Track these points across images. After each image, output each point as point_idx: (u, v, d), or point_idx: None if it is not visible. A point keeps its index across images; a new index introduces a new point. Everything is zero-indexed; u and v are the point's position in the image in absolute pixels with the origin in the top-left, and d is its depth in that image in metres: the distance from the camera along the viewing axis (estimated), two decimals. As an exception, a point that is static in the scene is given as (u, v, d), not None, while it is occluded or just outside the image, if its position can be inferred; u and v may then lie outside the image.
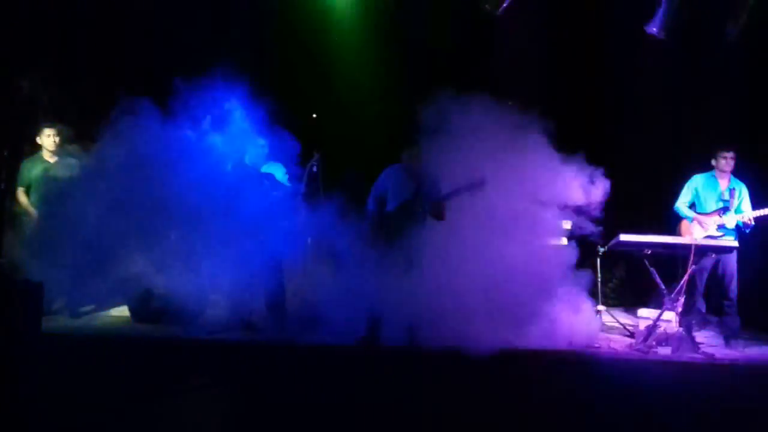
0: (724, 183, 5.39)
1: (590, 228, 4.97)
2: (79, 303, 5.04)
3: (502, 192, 4.61)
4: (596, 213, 4.91)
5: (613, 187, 4.86)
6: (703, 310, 5.59)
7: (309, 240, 5.11)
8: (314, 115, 5.24)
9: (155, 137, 4.62)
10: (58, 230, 4.52)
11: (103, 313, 5.26)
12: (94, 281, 4.63)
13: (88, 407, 3.20)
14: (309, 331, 4.71)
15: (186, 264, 4.61)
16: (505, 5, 5.09)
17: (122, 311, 5.18)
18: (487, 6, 5.08)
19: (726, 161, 5.29)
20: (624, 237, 5.16)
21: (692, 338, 5.27)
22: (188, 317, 4.79)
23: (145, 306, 4.85)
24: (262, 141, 4.95)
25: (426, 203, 4.70)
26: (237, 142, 4.90)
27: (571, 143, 4.75)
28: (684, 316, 5.43)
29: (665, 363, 4.64)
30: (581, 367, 4.42)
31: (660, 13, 5.20)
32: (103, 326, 4.96)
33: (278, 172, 5.12)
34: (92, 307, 5.23)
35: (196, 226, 4.63)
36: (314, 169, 4.99)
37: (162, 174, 4.57)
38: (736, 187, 5.37)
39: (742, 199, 5.38)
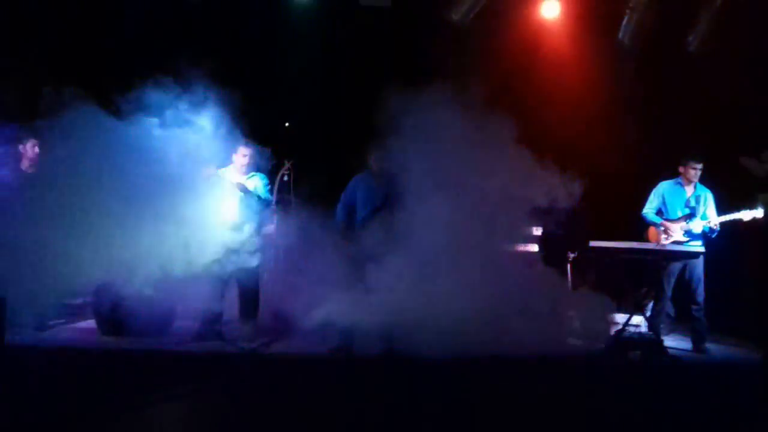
0: (690, 190, 5.51)
1: (560, 233, 5.03)
2: (44, 316, 4.92)
3: (471, 191, 4.60)
4: (566, 217, 4.95)
5: (582, 193, 4.93)
6: (672, 314, 5.70)
7: (281, 249, 5.09)
8: (287, 124, 5.23)
9: (119, 138, 4.47)
10: (12, 241, 4.38)
11: (70, 326, 5.17)
12: (58, 293, 4.52)
13: (55, 420, 3.13)
14: (281, 341, 4.67)
15: (156, 274, 4.53)
16: (471, 15, 5.20)
17: (89, 324, 5.08)
18: (453, 16, 5.17)
19: (695, 172, 5.42)
20: (594, 243, 5.29)
21: (661, 342, 5.37)
22: (157, 328, 4.75)
23: (112, 318, 4.75)
24: (246, 151, 4.92)
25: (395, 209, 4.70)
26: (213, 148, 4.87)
27: (539, 150, 4.81)
28: (652, 321, 5.57)
29: (634, 367, 4.69)
30: (551, 373, 4.46)
31: (625, 22, 5.35)
32: (69, 339, 4.86)
33: (258, 182, 5.07)
34: (58, 319, 5.14)
35: (166, 234, 4.56)
36: (285, 178, 4.96)
37: (128, 178, 4.44)
38: (701, 194, 5.50)
39: (708, 205, 5.50)
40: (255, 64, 5.24)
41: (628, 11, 5.26)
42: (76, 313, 5.25)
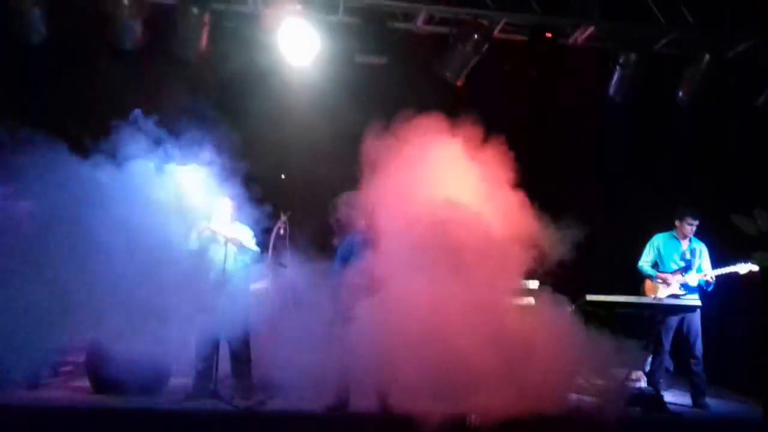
0: (685, 243, 5.54)
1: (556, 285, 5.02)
2: (36, 373, 4.83)
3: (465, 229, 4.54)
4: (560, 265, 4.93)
5: (578, 246, 4.93)
6: (670, 369, 5.66)
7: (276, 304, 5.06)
8: (282, 176, 5.26)
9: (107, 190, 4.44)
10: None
11: (62, 384, 5.06)
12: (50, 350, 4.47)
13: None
14: (276, 398, 4.60)
15: (148, 331, 4.49)
16: (465, 74, 5.33)
17: (82, 381, 4.97)
18: (447, 74, 5.30)
19: (691, 228, 5.46)
20: (590, 297, 5.27)
21: (660, 397, 5.32)
22: (150, 387, 4.67)
23: (105, 376, 4.63)
24: (229, 202, 4.92)
25: None
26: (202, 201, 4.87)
27: (534, 203, 4.85)
28: (651, 375, 5.53)
29: (634, 423, 4.62)
30: (551, 429, 4.38)
31: (616, 78, 5.47)
32: (62, 398, 4.74)
33: (246, 234, 5.08)
34: (51, 377, 5.04)
35: (159, 291, 4.54)
36: (281, 231, 4.97)
37: (120, 232, 4.42)
38: (696, 247, 5.52)
39: (703, 258, 5.53)
40: (249, 116, 5.30)
41: (618, 68, 5.39)
42: (68, 370, 5.17)
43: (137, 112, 4.56)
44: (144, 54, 5.09)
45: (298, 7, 5.04)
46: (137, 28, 4.91)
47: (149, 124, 4.55)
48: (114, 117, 4.39)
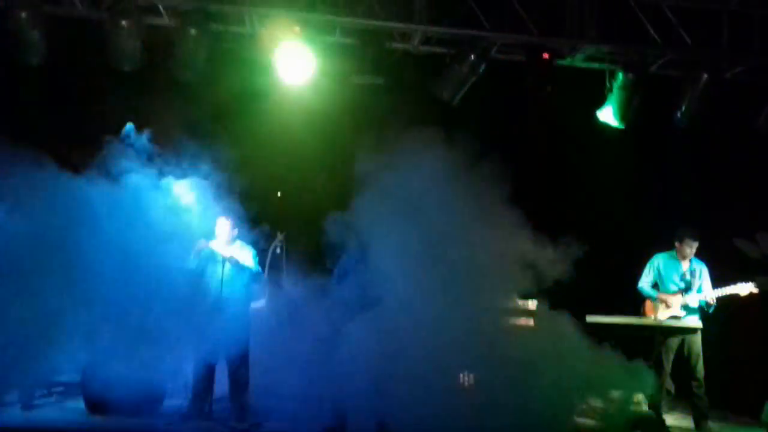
0: (685, 264, 5.46)
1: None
2: (30, 394, 4.82)
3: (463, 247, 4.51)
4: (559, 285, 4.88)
5: (578, 267, 4.89)
6: (672, 391, 5.55)
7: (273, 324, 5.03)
8: (279, 194, 5.24)
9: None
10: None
11: (57, 404, 5.01)
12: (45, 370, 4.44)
13: None
14: (272, 420, 4.56)
15: (143, 351, 4.45)
16: (461, 95, 5.34)
17: (77, 402, 4.91)
18: (444, 95, 5.32)
19: (691, 249, 5.40)
20: (590, 318, 5.23)
21: (662, 421, 5.26)
22: (146, 408, 4.63)
23: (100, 397, 4.58)
24: (227, 222, 4.91)
25: None
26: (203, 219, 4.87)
27: (533, 222, 4.82)
28: (652, 398, 5.44)
29: None
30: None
31: (611, 100, 5.48)
32: (56, 419, 4.69)
33: (246, 254, 5.04)
34: (45, 398, 5.01)
35: (156, 311, 4.51)
36: (278, 250, 4.95)
37: (117, 251, 4.42)
38: (696, 268, 5.44)
39: (703, 279, 5.45)
40: (247, 135, 5.30)
41: (613, 91, 5.40)
42: (63, 391, 5.13)
43: (130, 126, 4.58)
44: (143, 75, 5.12)
45: (296, 28, 5.08)
46: (136, 49, 4.96)
47: (143, 139, 4.55)
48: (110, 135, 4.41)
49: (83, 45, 5.04)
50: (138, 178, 4.57)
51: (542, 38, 5.46)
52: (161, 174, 4.64)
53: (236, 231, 4.95)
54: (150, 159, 4.61)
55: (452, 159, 4.49)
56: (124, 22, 4.84)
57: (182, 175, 4.69)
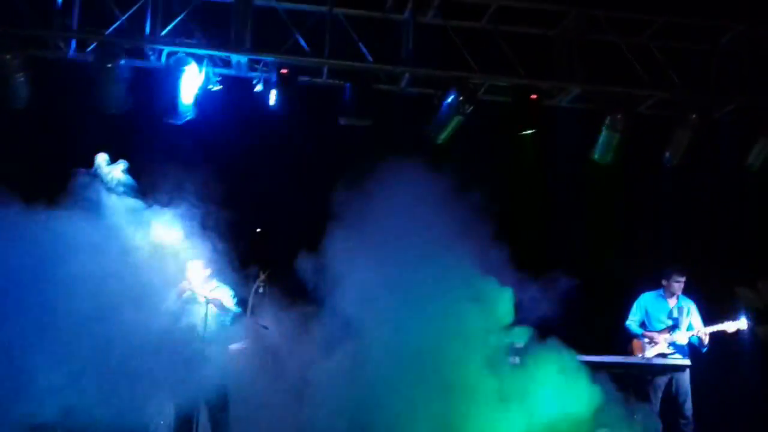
0: (672, 301, 5.47)
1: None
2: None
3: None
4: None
5: (565, 306, 4.88)
6: (659, 430, 5.55)
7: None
8: (258, 230, 5.20)
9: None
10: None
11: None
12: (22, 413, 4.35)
13: None
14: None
15: (124, 394, 4.39)
16: (448, 135, 5.35)
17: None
18: (432, 135, 5.33)
19: (679, 284, 5.42)
20: (579, 357, 5.25)
21: (651, 462, 5.25)
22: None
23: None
24: (198, 264, 4.86)
25: None
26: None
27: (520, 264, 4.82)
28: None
29: None
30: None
31: (600, 140, 5.49)
32: None
33: (226, 294, 5.01)
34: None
35: (136, 354, 4.44)
36: (260, 290, 4.92)
37: (96, 294, 4.28)
38: (684, 305, 5.45)
39: (692, 316, 5.45)
40: (228, 173, 5.31)
41: (604, 130, 5.42)
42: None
43: (102, 156, 4.47)
44: (129, 117, 5.12)
45: (284, 70, 5.09)
46: (122, 93, 4.95)
47: (117, 171, 4.46)
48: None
49: (68, 89, 5.04)
50: (111, 210, 4.44)
51: (530, 80, 5.50)
52: (139, 207, 4.53)
53: (209, 271, 4.93)
54: (127, 191, 4.52)
55: (434, 191, 4.47)
56: (109, 65, 4.85)
57: (162, 210, 4.58)
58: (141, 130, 5.07)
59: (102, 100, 5.00)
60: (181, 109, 5.08)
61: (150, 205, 4.60)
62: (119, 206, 4.53)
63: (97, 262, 4.32)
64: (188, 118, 5.11)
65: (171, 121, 5.10)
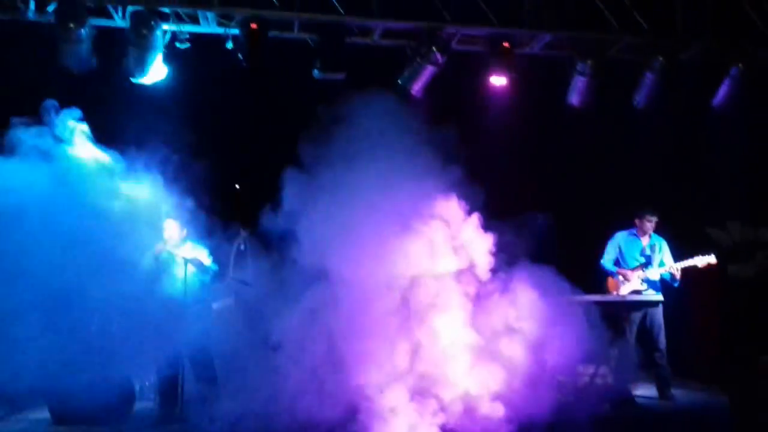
0: (645, 240, 5.70)
1: None
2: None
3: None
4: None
5: (542, 247, 4.98)
6: (636, 363, 5.77)
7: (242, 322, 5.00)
8: (237, 186, 5.16)
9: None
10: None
11: (21, 416, 4.89)
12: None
13: None
14: (244, 420, 4.48)
15: (106, 355, 4.37)
16: (420, 85, 5.36)
17: (42, 413, 4.82)
18: (406, 87, 5.33)
19: (651, 224, 5.63)
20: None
21: (628, 392, 5.42)
22: (114, 414, 4.57)
23: (65, 406, 4.51)
24: (173, 224, 4.84)
25: None
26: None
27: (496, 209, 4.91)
28: (618, 371, 5.65)
29: (603, 418, 4.66)
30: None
31: (575, 84, 5.56)
32: (18, 431, 4.60)
33: (201, 253, 5.01)
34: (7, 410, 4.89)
35: (117, 315, 4.44)
36: (241, 247, 4.91)
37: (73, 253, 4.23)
38: (656, 243, 5.68)
39: (663, 253, 5.69)
40: (206, 130, 5.22)
41: (576, 74, 5.49)
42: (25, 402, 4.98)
43: (50, 102, 4.29)
44: (97, 77, 4.98)
45: (254, 24, 4.99)
46: (86, 53, 4.81)
47: (69, 117, 4.29)
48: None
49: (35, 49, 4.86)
50: (64, 161, 4.29)
51: (502, 28, 5.52)
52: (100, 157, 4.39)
53: (185, 231, 4.93)
54: (81, 140, 4.35)
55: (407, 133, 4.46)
56: (72, 25, 4.69)
57: (126, 161, 4.47)
58: (109, 90, 4.94)
59: (66, 61, 4.85)
60: (148, 68, 4.96)
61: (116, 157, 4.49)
62: (77, 157, 4.37)
63: (56, 219, 4.20)
64: (156, 77, 4.99)
65: (139, 80, 4.98)
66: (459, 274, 4.60)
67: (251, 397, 4.49)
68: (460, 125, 4.58)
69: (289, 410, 4.39)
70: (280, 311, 4.58)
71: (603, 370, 5.58)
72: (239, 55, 5.16)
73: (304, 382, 4.43)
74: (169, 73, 5.09)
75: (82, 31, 4.81)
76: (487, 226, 4.65)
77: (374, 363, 4.39)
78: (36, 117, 4.27)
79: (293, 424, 4.35)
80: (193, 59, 5.15)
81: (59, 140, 4.32)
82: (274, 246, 4.68)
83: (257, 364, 4.65)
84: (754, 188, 5.67)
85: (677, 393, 5.54)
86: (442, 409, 4.38)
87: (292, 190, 4.41)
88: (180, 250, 4.88)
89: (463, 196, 4.57)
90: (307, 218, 4.39)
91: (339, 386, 4.41)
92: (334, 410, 4.34)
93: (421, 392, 4.39)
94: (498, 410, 4.43)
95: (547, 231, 4.93)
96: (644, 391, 5.63)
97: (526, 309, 4.68)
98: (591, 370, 5.46)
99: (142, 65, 4.94)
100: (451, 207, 4.59)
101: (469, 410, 4.41)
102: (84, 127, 4.39)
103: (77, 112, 4.41)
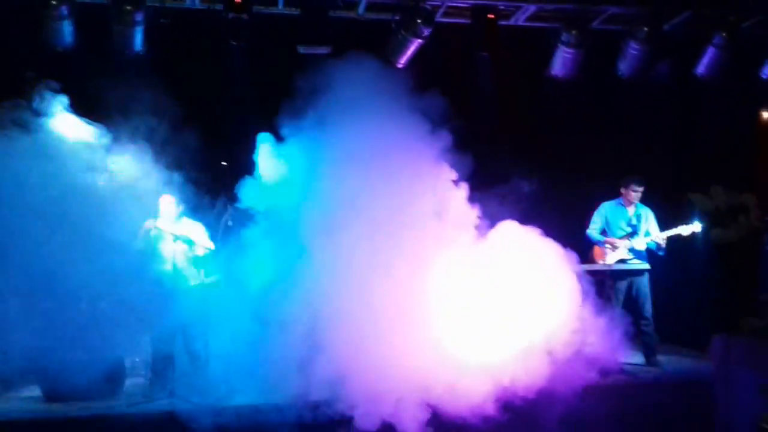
0: (631, 209, 5.73)
1: None
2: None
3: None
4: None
5: (528, 217, 5.02)
6: (623, 331, 5.82)
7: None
8: (223, 163, 5.15)
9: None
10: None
11: (11, 395, 4.87)
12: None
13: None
14: (236, 394, 4.54)
15: (96, 333, 4.35)
16: (406, 59, 5.37)
17: (33, 391, 4.82)
18: (392, 60, 5.32)
19: (637, 193, 5.67)
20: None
21: (615, 360, 5.50)
22: (106, 390, 4.59)
23: (57, 383, 4.50)
24: (170, 199, 4.83)
25: None
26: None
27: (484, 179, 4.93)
28: (605, 339, 5.74)
29: (592, 387, 4.74)
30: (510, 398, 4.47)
31: (558, 56, 5.59)
32: (11, 410, 4.54)
33: (197, 230, 5.00)
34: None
35: (109, 291, 4.40)
36: (229, 223, 4.92)
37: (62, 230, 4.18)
38: (642, 213, 5.72)
39: (649, 222, 5.73)
40: (192, 105, 5.19)
41: (559, 45, 5.50)
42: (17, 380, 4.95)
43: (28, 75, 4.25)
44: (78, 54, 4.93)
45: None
46: (68, 29, 4.75)
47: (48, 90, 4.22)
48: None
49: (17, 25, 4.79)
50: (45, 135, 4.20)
51: (487, 0, 5.51)
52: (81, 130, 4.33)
53: (181, 207, 4.91)
54: (62, 113, 4.29)
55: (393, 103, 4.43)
56: (53, 1, 4.63)
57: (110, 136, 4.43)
58: (92, 66, 4.88)
59: (48, 37, 4.81)
60: (131, 44, 4.92)
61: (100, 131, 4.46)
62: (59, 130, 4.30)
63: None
64: (139, 51, 4.95)
65: (122, 56, 4.94)
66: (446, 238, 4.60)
67: (240, 371, 4.50)
68: (445, 96, 4.61)
69: (277, 386, 4.40)
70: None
71: (591, 338, 5.71)
72: (224, 31, 5.14)
73: (294, 359, 4.41)
74: (151, 48, 5.04)
75: (64, 7, 4.76)
76: (473, 195, 4.66)
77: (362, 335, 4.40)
78: (16, 91, 4.22)
79: (281, 401, 4.35)
80: (177, 34, 5.11)
81: (40, 113, 4.27)
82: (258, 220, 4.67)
83: (248, 339, 4.66)
84: (737, 154, 5.72)
85: (663, 360, 5.62)
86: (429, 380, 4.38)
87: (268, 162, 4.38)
88: (174, 226, 4.86)
89: (451, 164, 4.57)
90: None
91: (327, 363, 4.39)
92: (321, 388, 4.33)
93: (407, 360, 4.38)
94: (487, 378, 4.45)
95: (532, 200, 4.97)
96: (632, 358, 5.69)
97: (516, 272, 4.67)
98: (579, 338, 5.57)
99: (125, 41, 4.89)
100: (440, 174, 4.59)
101: (456, 381, 4.42)
102: (64, 99, 4.33)
103: (57, 85, 4.35)
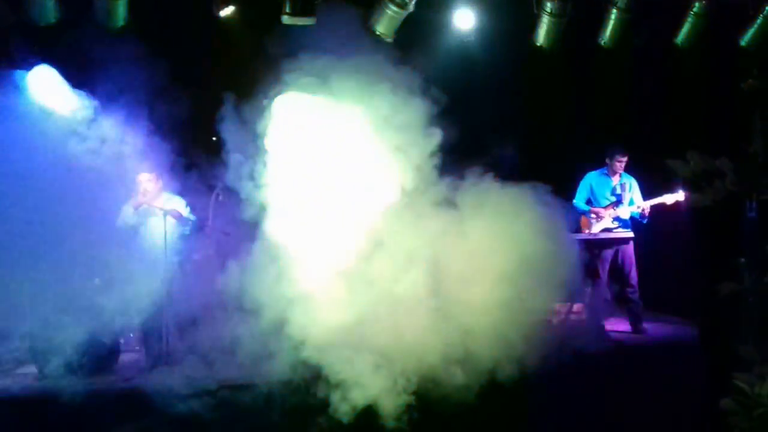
0: (616, 179, 5.84)
1: None
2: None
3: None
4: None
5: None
6: (609, 298, 5.93)
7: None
8: (214, 138, 5.14)
9: None
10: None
11: (7, 371, 4.86)
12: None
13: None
14: (228, 368, 4.58)
15: (89, 306, 4.42)
16: (396, 29, 5.32)
17: (28, 368, 4.82)
18: (378, 31, 5.29)
19: (621, 164, 5.76)
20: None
21: (602, 327, 5.65)
22: (101, 365, 4.62)
23: (51, 359, 4.49)
24: (149, 177, 4.86)
25: None
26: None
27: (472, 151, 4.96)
28: (591, 307, 5.86)
29: (579, 354, 4.79)
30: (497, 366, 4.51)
31: (541, 25, 5.59)
32: (8, 386, 4.55)
33: (180, 204, 5.03)
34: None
35: (96, 263, 4.47)
36: (219, 198, 4.91)
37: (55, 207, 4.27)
38: (626, 182, 5.82)
39: (633, 191, 5.84)
40: (176, 80, 5.16)
41: (543, 15, 5.51)
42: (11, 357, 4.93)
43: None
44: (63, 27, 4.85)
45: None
46: (51, 2, 4.66)
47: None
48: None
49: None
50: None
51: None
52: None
53: (161, 183, 4.95)
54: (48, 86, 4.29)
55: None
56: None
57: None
58: (77, 39, 4.81)
59: (31, 12, 4.71)
60: (115, 15, 4.85)
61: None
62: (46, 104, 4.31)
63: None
64: (122, 24, 4.88)
65: (106, 29, 4.87)
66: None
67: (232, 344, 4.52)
68: (427, 63, 4.63)
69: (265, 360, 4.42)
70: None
71: (577, 306, 5.83)
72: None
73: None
74: (135, 20, 4.97)
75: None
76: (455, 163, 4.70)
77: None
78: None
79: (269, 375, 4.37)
80: (161, 6, 5.03)
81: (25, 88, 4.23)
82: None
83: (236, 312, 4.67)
84: (715, 120, 5.80)
85: (649, 326, 5.73)
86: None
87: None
88: (159, 202, 4.87)
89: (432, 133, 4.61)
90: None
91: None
92: (305, 367, 4.37)
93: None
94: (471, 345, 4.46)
95: (514, 171, 5.01)
96: (618, 325, 5.85)
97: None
98: (565, 307, 5.67)
99: (109, 13, 4.82)
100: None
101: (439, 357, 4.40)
102: (52, 72, 4.28)
103: (42, 61, 4.31)
